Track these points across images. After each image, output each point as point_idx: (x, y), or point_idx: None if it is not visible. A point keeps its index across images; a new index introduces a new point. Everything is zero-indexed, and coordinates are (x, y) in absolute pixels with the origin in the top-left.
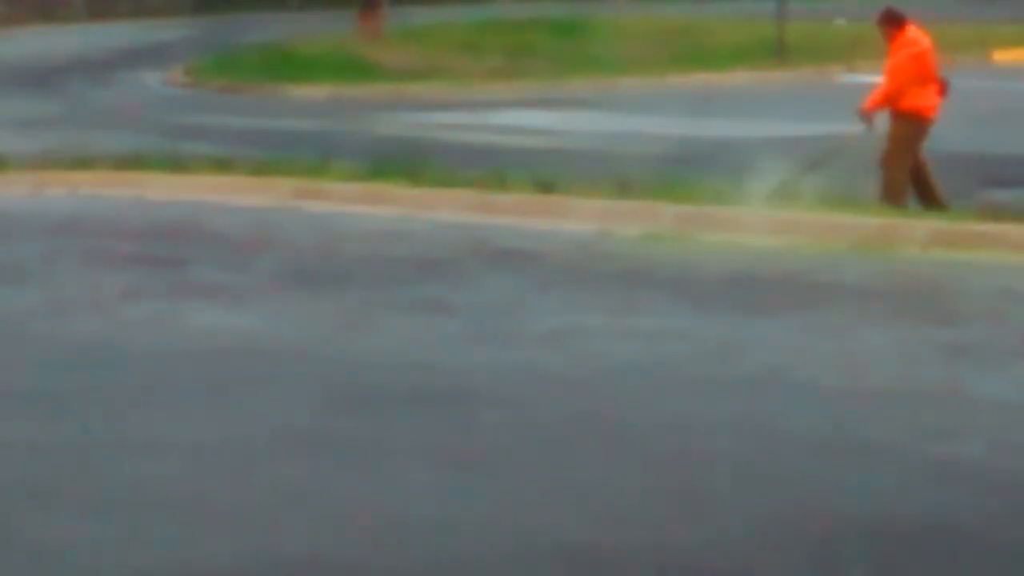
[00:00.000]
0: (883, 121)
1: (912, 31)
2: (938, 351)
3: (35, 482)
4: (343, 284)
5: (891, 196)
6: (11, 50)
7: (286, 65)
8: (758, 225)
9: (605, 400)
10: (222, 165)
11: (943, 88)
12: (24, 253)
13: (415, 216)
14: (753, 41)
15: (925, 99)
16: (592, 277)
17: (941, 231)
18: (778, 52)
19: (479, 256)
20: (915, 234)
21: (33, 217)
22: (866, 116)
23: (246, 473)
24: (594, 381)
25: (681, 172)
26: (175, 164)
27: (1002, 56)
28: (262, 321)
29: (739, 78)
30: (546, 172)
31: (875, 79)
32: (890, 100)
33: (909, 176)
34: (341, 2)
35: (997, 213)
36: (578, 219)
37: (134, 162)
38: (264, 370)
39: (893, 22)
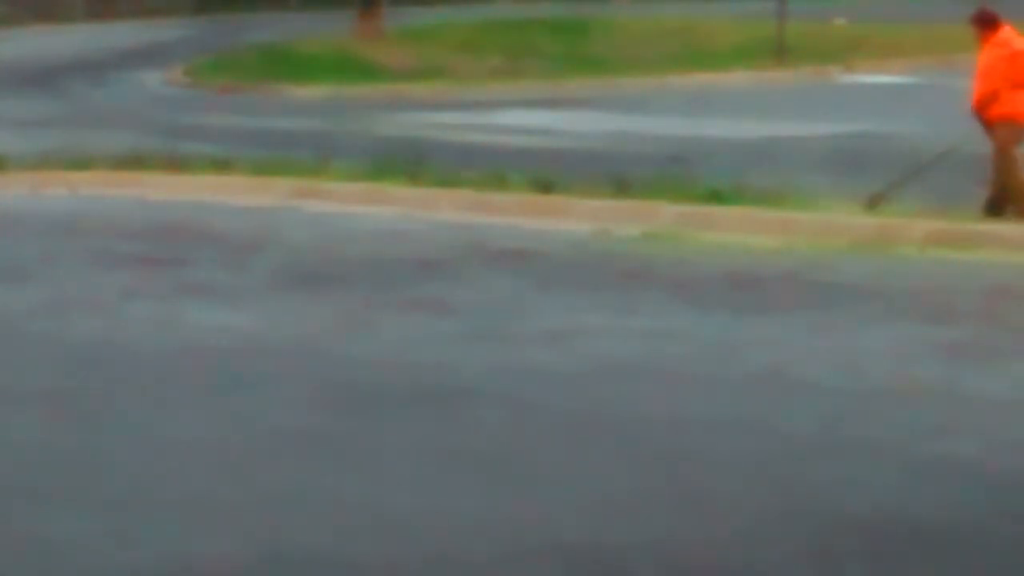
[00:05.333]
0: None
1: (1006, 32)
2: (936, 350)
3: (35, 481)
4: (343, 284)
5: (1016, 202)
6: (11, 50)
7: (286, 65)
8: (757, 225)
9: (604, 399)
10: (222, 165)
11: None
12: (24, 253)
13: (415, 216)
14: (753, 41)
15: (1019, 104)
16: (592, 277)
17: (939, 231)
18: (778, 52)
19: (479, 256)
20: (913, 234)
21: (33, 217)
22: (977, 116)
23: (246, 471)
24: (593, 380)
25: (681, 172)
26: (175, 164)
27: None
28: (262, 321)
29: (739, 78)
30: (546, 172)
31: (874, 79)
32: (981, 102)
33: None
34: (341, 2)
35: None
36: (577, 219)
37: (134, 162)
38: (264, 369)
39: (986, 23)
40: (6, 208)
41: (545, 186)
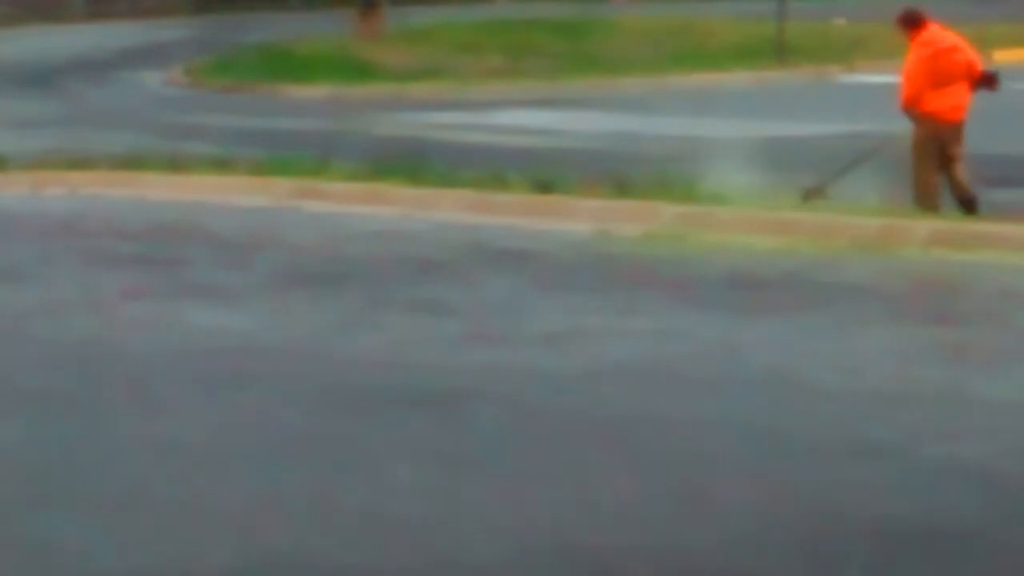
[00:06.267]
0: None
1: (931, 32)
2: (938, 351)
3: (35, 482)
4: (343, 284)
5: (920, 198)
6: (11, 50)
7: (286, 65)
8: (758, 225)
9: (604, 400)
10: (222, 165)
11: (987, 81)
12: (24, 253)
13: (415, 216)
14: (753, 41)
15: (945, 101)
16: (592, 277)
17: (941, 231)
18: (778, 52)
19: (479, 256)
20: (915, 234)
21: (33, 217)
22: (908, 115)
23: (245, 472)
24: (593, 381)
25: (681, 172)
26: (175, 164)
27: (1002, 56)
28: (262, 321)
29: (739, 78)
30: (546, 172)
31: (874, 79)
32: (909, 102)
33: (938, 178)
34: (341, 2)
35: (996, 213)
36: (578, 219)
37: (134, 162)
38: (263, 370)
39: (909, 23)
40: (6, 208)
41: (545, 186)
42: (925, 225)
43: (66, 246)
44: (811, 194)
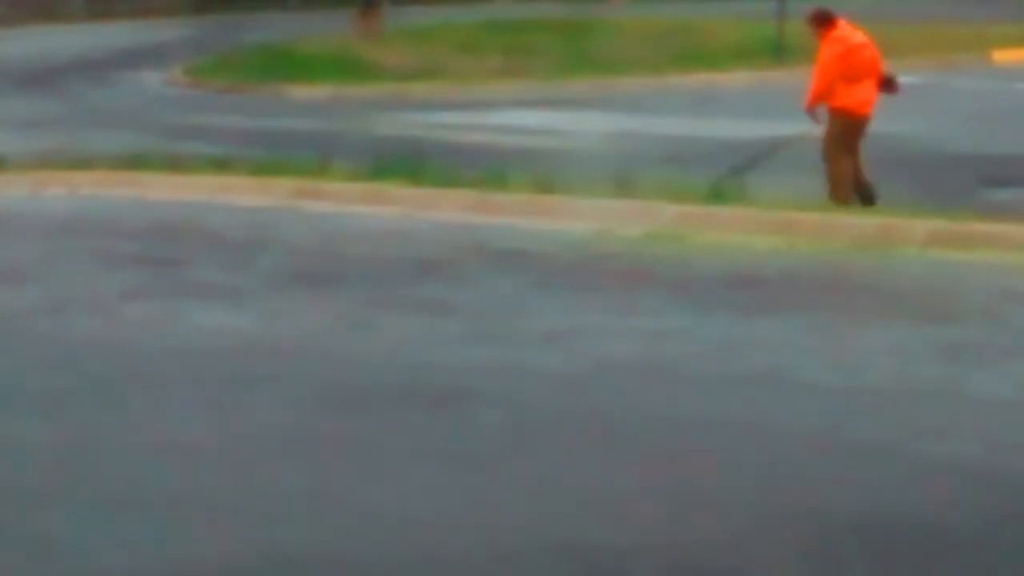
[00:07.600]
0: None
1: (841, 29)
2: (937, 350)
3: (35, 482)
4: (343, 284)
5: (835, 191)
6: (11, 50)
7: (286, 65)
8: (758, 225)
9: (605, 399)
10: (222, 165)
11: (888, 84)
12: (24, 253)
13: (415, 216)
14: (753, 41)
15: (856, 96)
16: (592, 277)
17: (940, 231)
18: (778, 52)
19: (479, 256)
20: (914, 234)
21: (33, 217)
22: (810, 114)
23: (245, 472)
24: (594, 381)
25: (681, 172)
26: (175, 164)
27: (1002, 56)
28: (262, 321)
29: (739, 78)
30: (546, 172)
31: None
32: (819, 98)
33: (851, 171)
34: (341, 2)
35: (996, 213)
36: (578, 219)
37: (134, 162)
38: (264, 369)
39: (820, 21)
40: (6, 208)
41: (545, 186)
42: (924, 225)
43: (66, 246)
44: (716, 187)
